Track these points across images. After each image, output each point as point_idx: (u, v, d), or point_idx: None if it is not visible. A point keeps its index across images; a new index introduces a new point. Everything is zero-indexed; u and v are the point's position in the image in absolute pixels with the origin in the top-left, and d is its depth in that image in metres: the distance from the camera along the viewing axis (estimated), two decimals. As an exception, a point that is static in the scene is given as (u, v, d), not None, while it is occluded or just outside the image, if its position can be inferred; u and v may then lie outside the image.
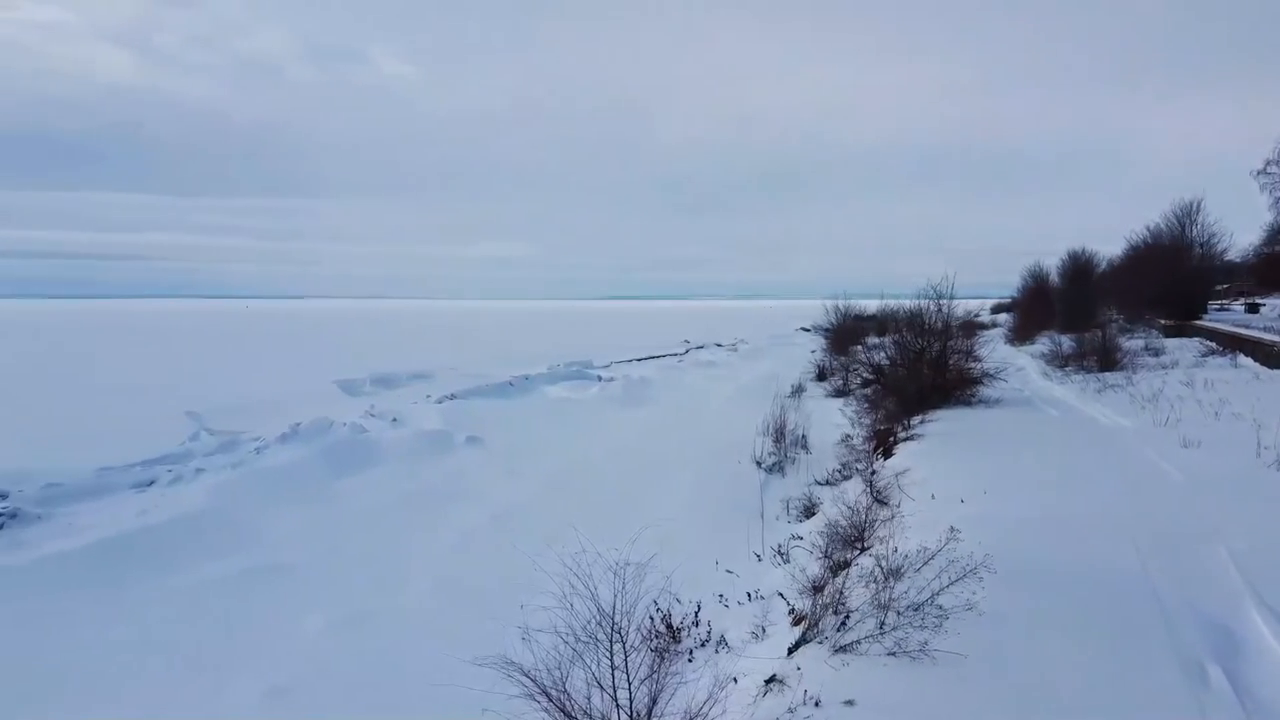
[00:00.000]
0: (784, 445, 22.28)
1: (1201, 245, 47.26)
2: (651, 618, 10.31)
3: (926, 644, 6.78)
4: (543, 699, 5.99)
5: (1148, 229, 51.14)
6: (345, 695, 10.04)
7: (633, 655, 6.23)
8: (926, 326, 24.50)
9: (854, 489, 16.26)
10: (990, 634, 7.14)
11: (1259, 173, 42.92)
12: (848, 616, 7.63)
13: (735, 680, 8.23)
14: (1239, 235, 58.00)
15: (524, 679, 6.03)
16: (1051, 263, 58.62)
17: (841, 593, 8.18)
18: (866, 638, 7.06)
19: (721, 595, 12.23)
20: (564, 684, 6.07)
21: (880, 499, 13.87)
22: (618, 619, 6.29)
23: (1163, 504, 11.68)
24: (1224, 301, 58.27)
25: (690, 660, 9.83)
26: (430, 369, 42.79)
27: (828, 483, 18.89)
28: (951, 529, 9.47)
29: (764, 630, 10.25)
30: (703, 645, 10.49)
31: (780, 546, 14.16)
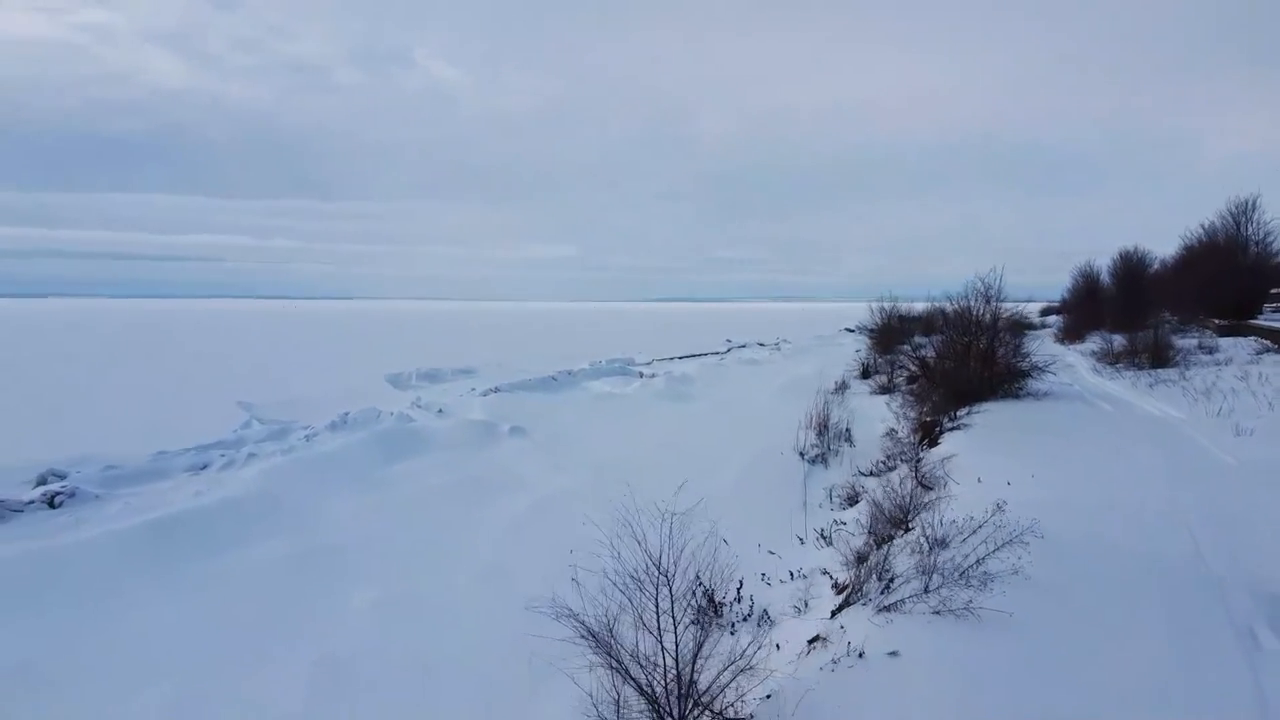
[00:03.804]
0: (827, 438, 22.11)
1: (1257, 244, 45.86)
2: (694, 590, 10.35)
3: (971, 602, 6.75)
4: (590, 640, 6.07)
5: (1202, 227, 49.81)
6: (394, 658, 10.28)
7: (678, 601, 6.30)
8: (975, 319, 24.10)
9: (899, 479, 16.13)
10: (1037, 597, 7.10)
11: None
12: (892, 580, 7.61)
13: (778, 647, 8.26)
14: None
15: (572, 621, 6.12)
16: (1103, 263, 57.39)
17: (886, 558, 8.17)
18: (911, 598, 7.05)
19: (764, 574, 12.25)
20: (611, 629, 6.14)
21: (925, 484, 13.76)
22: (664, 565, 6.34)
23: (1215, 487, 11.47)
24: (1278, 305, 56.16)
25: (733, 633, 9.87)
26: (475, 365, 43.34)
27: (872, 473, 18.71)
28: (998, 504, 9.41)
29: (806, 604, 10.24)
30: (745, 619, 10.50)
31: (823, 530, 14.11)
